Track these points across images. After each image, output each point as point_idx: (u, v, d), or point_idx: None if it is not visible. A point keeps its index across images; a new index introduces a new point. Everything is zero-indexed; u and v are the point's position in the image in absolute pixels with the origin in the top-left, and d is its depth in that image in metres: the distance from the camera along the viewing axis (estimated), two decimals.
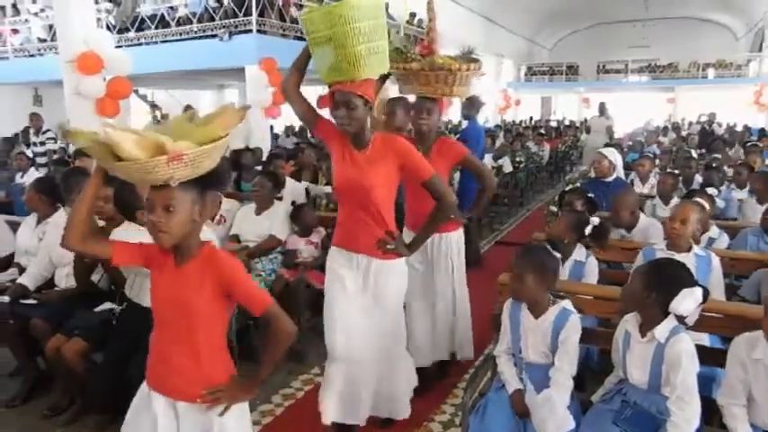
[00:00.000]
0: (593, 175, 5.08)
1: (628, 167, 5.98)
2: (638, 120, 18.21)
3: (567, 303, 2.24)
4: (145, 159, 1.51)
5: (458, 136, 6.77)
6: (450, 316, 3.23)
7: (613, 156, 4.62)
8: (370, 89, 2.32)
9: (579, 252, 2.97)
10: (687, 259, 2.59)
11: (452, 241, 3.16)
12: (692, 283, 1.99)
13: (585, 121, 18.68)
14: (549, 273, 2.21)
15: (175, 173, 1.56)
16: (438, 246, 3.13)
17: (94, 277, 3.20)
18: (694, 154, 6.84)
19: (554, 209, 4.30)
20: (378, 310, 2.55)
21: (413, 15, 15.09)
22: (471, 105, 5.83)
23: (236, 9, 9.09)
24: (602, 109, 11.03)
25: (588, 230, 2.92)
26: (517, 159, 8.90)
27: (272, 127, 11.54)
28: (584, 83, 24.55)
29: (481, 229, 7.12)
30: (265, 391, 3.25)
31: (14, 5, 11.77)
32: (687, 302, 1.95)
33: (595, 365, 2.77)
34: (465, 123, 6.48)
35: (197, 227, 1.70)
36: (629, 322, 2.11)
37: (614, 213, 3.50)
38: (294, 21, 9.86)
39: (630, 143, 9.95)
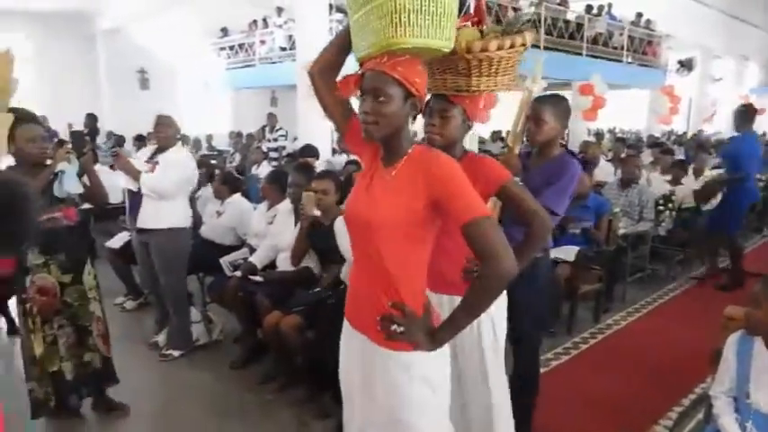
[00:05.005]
0: None
1: None
2: None
3: None
4: None
5: (724, 150, 5.98)
6: (487, 418, 2.14)
7: None
8: (414, 73, 1.48)
9: None
10: None
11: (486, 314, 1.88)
12: None
13: None
14: None
15: None
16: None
17: (310, 264, 3.54)
18: None
19: None
20: None
21: (639, 15, 14.01)
22: (745, 114, 5.13)
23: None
24: None
25: None
26: None
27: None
28: None
29: (701, 251, 6.33)
30: None
31: (264, 20, 13.49)
32: None
33: None
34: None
35: None
36: None
37: None
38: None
39: None
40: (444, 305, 1.95)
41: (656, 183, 6.18)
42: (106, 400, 3.09)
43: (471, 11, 1.94)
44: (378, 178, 1.59)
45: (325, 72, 1.73)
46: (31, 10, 12.15)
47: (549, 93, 2.51)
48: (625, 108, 17.61)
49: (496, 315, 2.07)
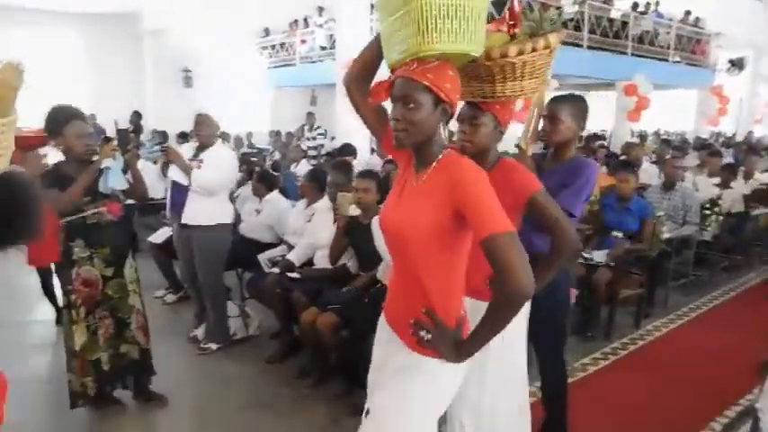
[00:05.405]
0: None
1: None
2: None
3: None
4: None
5: None
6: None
7: None
8: (445, 79, 1.48)
9: None
10: None
11: None
12: None
13: None
14: None
15: None
16: None
17: (348, 262, 3.56)
18: None
19: None
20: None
21: (688, 13, 13.61)
22: None
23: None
24: None
25: None
26: None
27: None
28: None
29: (750, 258, 6.12)
30: None
31: (305, 19, 13.63)
32: None
33: None
34: None
35: None
36: None
37: None
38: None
39: None
40: (467, 309, 1.93)
41: (703, 186, 5.99)
42: (145, 390, 3.17)
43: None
44: (409, 184, 1.60)
45: (359, 80, 1.75)
46: (83, 11, 12.57)
47: (566, 92, 2.44)
48: (671, 109, 17.14)
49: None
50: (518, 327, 2.06)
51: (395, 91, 1.51)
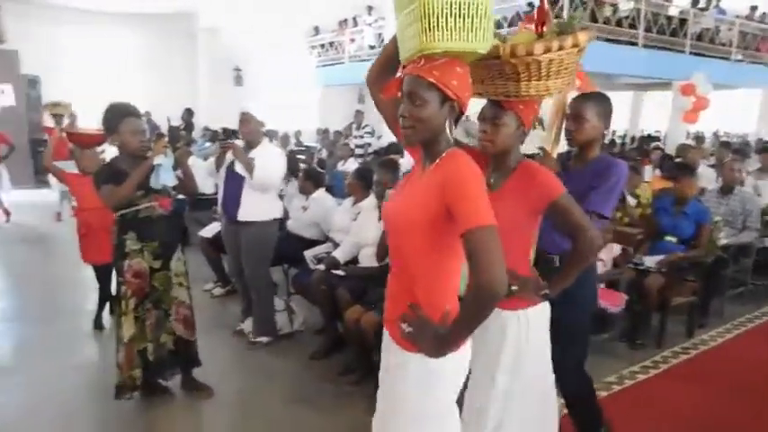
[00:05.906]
0: None
1: None
2: None
3: None
4: None
5: None
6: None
7: None
8: (452, 76, 1.47)
9: None
10: None
11: (522, 323, 1.90)
12: None
13: None
14: None
15: None
16: (498, 331, 1.88)
17: None
18: None
19: None
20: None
21: (753, 9, 13.01)
22: None
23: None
24: None
25: None
26: None
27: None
28: None
29: None
30: None
31: (354, 19, 13.71)
32: None
33: None
34: None
35: None
36: None
37: None
38: (606, 21, 9.41)
39: None
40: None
41: (765, 190, 5.72)
42: (190, 380, 3.25)
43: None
44: (415, 179, 1.61)
45: (379, 79, 1.75)
46: (140, 11, 13.01)
47: (590, 91, 2.33)
48: (733, 109, 16.44)
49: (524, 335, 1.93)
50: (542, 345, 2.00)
51: (403, 87, 1.51)
